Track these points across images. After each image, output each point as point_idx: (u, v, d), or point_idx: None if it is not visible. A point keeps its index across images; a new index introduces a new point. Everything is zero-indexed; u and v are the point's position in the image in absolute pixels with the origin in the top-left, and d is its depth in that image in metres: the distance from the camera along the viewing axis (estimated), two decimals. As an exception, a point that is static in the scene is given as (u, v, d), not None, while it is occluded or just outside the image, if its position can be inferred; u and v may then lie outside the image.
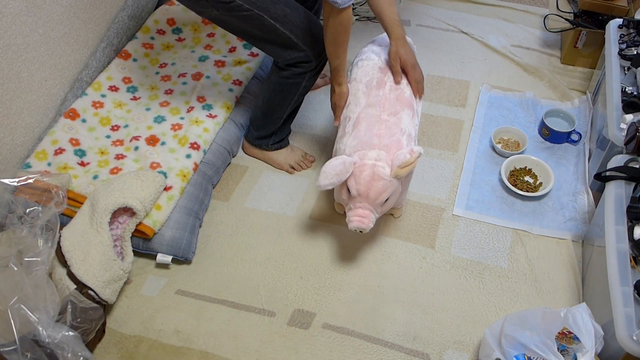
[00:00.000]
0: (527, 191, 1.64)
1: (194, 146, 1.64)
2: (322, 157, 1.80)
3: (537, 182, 1.68)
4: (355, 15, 2.36)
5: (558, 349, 1.11)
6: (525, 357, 1.12)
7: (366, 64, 1.54)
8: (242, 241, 1.59)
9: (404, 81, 1.49)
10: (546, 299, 1.44)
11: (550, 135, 1.79)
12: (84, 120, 1.70)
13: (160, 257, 1.49)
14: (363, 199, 1.34)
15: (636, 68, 1.54)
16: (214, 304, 1.45)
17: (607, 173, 1.35)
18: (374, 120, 1.40)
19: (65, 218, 1.45)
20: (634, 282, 1.14)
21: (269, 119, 1.66)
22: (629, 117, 1.41)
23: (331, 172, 1.32)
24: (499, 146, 1.77)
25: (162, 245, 1.49)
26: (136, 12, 1.97)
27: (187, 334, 1.39)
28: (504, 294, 1.45)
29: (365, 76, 1.50)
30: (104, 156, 1.63)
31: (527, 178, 1.69)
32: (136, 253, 1.51)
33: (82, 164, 1.59)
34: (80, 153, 1.62)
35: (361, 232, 1.36)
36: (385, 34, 1.70)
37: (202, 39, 2.01)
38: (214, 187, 1.72)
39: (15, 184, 1.35)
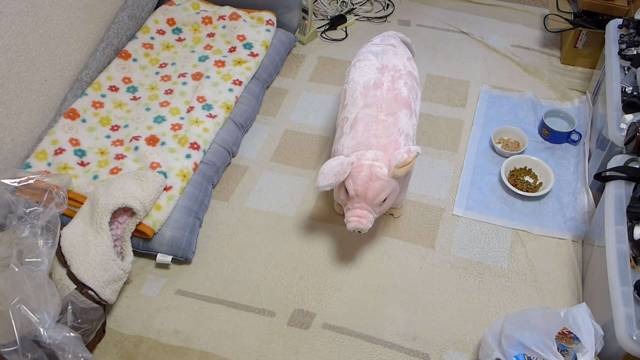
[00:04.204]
0: (527, 191, 1.64)
1: (194, 146, 1.64)
2: (321, 158, 1.80)
3: (537, 182, 1.68)
4: (355, 15, 2.36)
5: (558, 349, 1.11)
6: (525, 357, 1.12)
7: (363, 65, 1.54)
8: (242, 241, 1.59)
9: (402, 81, 1.49)
10: (546, 299, 1.44)
11: (550, 135, 1.79)
12: (84, 120, 1.70)
13: (160, 257, 1.49)
14: (361, 199, 1.35)
15: (636, 68, 1.54)
16: (214, 304, 1.45)
17: (607, 173, 1.35)
18: (372, 121, 1.40)
19: (66, 218, 1.45)
20: (634, 282, 1.14)
21: None
22: (629, 117, 1.41)
23: (329, 173, 1.32)
24: (499, 146, 1.77)
25: (162, 245, 1.49)
26: (136, 12, 1.97)
27: (187, 334, 1.39)
28: (504, 294, 1.45)
29: (362, 77, 1.50)
30: (104, 156, 1.63)
31: (527, 178, 1.69)
32: (136, 253, 1.51)
33: (82, 164, 1.59)
34: (80, 153, 1.62)
35: (359, 232, 1.36)
36: (383, 34, 1.71)
37: (202, 39, 2.01)
38: (214, 187, 1.72)
39: (15, 184, 1.35)
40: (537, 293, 1.45)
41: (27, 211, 1.28)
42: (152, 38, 1.98)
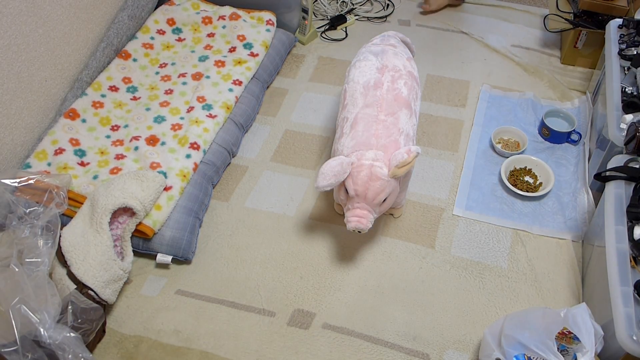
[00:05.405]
0: (527, 191, 1.64)
1: (194, 146, 1.64)
2: (321, 158, 1.80)
3: (537, 182, 1.68)
4: (355, 15, 2.36)
5: (558, 349, 1.11)
6: (525, 357, 1.12)
7: (363, 65, 1.54)
8: (242, 241, 1.59)
9: (402, 81, 1.49)
10: (546, 299, 1.44)
11: (550, 135, 1.79)
12: (84, 120, 1.70)
13: (160, 257, 1.49)
14: (361, 199, 1.35)
15: (636, 68, 1.54)
16: (214, 304, 1.45)
17: (607, 173, 1.35)
18: (372, 121, 1.41)
19: (66, 218, 1.45)
20: (634, 282, 1.14)
21: None
22: (629, 117, 1.41)
23: (329, 173, 1.32)
24: (499, 146, 1.77)
25: (162, 245, 1.49)
26: (136, 12, 1.97)
27: (187, 334, 1.39)
28: (504, 294, 1.45)
29: (362, 77, 1.50)
30: (104, 156, 1.63)
31: (527, 178, 1.69)
32: (136, 253, 1.51)
33: (82, 164, 1.59)
34: (80, 153, 1.62)
35: (359, 232, 1.36)
36: (383, 34, 1.71)
37: (202, 39, 2.01)
38: (214, 187, 1.72)
39: (15, 184, 1.35)
40: (537, 293, 1.45)
41: (27, 211, 1.28)
42: (152, 38, 1.98)
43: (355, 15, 2.37)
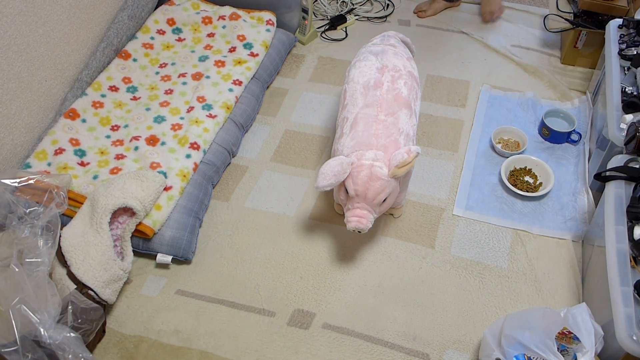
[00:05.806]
0: (527, 191, 1.64)
1: (194, 146, 1.64)
2: (321, 158, 1.80)
3: (537, 182, 1.68)
4: (355, 15, 2.36)
5: (558, 349, 1.11)
6: (525, 357, 1.12)
7: (363, 65, 1.54)
8: (242, 241, 1.59)
9: (402, 81, 1.49)
10: (546, 299, 1.44)
11: (550, 135, 1.79)
12: (84, 120, 1.70)
13: (160, 257, 1.49)
14: (361, 199, 1.35)
15: (636, 68, 1.54)
16: (214, 304, 1.45)
17: (607, 173, 1.35)
18: (372, 121, 1.41)
19: (66, 218, 1.45)
20: (634, 282, 1.14)
21: None
22: (629, 117, 1.41)
23: (329, 173, 1.32)
24: (499, 146, 1.77)
25: (162, 245, 1.49)
26: (136, 12, 1.97)
27: (187, 334, 1.39)
28: (504, 294, 1.45)
29: (362, 77, 1.50)
30: (104, 156, 1.63)
31: (527, 178, 1.69)
32: (136, 253, 1.51)
33: (82, 164, 1.59)
34: (80, 153, 1.62)
35: (359, 232, 1.36)
36: (383, 34, 1.71)
37: (202, 39, 2.01)
38: (214, 187, 1.72)
39: (16, 184, 1.35)
40: (537, 293, 1.45)
41: (27, 211, 1.28)
42: (152, 38, 1.98)
43: (355, 15, 2.37)
